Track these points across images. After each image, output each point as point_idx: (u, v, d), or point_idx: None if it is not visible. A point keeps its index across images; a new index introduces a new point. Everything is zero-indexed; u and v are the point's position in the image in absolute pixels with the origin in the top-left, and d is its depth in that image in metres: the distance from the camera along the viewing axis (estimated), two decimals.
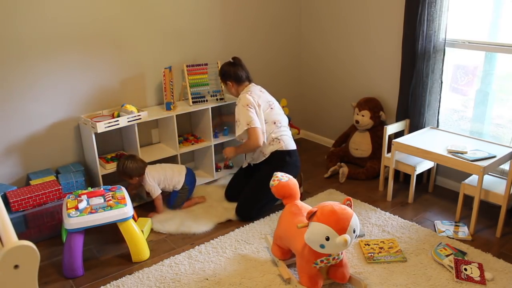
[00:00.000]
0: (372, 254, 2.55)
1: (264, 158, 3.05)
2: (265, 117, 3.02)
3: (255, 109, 2.97)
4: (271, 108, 3.07)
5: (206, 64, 3.53)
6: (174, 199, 3.09)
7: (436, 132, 3.20)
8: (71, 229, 2.42)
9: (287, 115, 4.13)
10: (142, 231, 2.73)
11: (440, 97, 3.20)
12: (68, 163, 3.18)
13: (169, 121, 3.29)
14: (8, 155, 2.92)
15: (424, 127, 3.28)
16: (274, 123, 3.04)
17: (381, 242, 2.66)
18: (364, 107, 3.60)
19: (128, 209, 2.53)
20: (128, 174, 2.96)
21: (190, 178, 3.15)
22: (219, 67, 3.26)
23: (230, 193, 3.23)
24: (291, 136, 3.15)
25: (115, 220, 2.49)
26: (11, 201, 2.66)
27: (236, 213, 3.01)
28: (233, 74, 3.11)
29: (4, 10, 2.70)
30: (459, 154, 2.78)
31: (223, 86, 3.32)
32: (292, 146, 3.09)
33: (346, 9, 3.80)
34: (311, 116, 4.45)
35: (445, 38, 3.05)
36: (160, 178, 3.03)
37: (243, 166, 3.24)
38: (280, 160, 3.01)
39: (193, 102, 3.41)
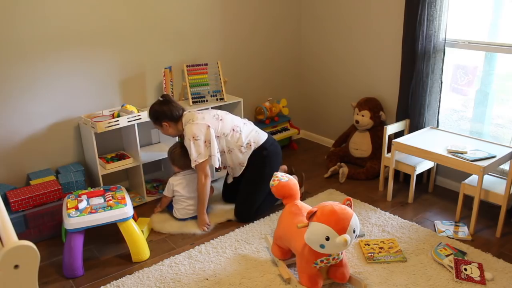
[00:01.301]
0: (372, 254, 2.55)
1: (244, 167, 2.97)
2: (222, 131, 2.86)
3: (203, 136, 2.79)
4: (221, 120, 2.88)
5: (206, 64, 3.53)
6: (171, 209, 3.08)
7: (436, 132, 3.20)
8: (71, 229, 2.42)
9: (286, 115, 4.17)
10: (142, 231, 2.73)
11: (440, 97, 3.19)
12: (68, 163, 3.18)
13: None
14: (8, 155, 2.92)
15: (424, 127, 3.28)
16: (233, 129, 2.89)
17: (381, 242, 2.66)
18: (364, 107, 3.60)
19: (128, 209, 2.53)
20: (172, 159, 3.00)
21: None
22: (149, 109, 2.93)
23: (226, 196, 3.23)
24: (257, 129, 3.02)
25: (115, 220, 2.49)
26: (11, 201, 2.66)
27: (236, 217, 3.00)
28: (169, 113, 2.85)
29: (4, 10, 2.70)
30: (459, 154, 2.78)
31: (159, 129, 2.98)
32: (263, 137, 2.97)
33: (346, 9, 3.80)
34: (311, 116, 4.45)
35: (445, 38, 3.05)
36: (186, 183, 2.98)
37: (228, 182, 3.15)
38: (259, 157, 2.93)
39: (193, 102, 3.42)
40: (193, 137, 2.78)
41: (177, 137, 3.26)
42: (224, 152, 2.92)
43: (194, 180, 2.96)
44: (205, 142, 2.80)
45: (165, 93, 2.96)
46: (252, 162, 2.95)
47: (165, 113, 2.86)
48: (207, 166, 2.84)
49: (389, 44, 3.53)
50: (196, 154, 2.78)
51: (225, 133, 2.88)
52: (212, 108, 3.38)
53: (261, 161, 2.94)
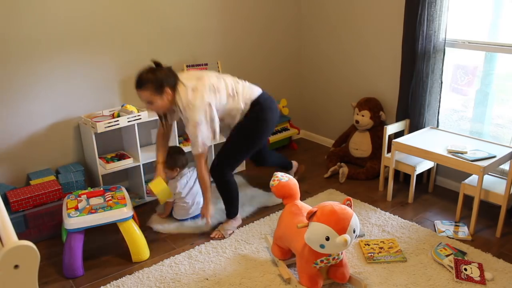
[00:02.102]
0: (372, 254, 2.55)
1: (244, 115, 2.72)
2: (221, 102, 2.62)
3: (208, 116, 2.53)
4: (218, 91, 2.59)
5: (206, 64, 3.53)
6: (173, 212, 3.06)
7: (436, 132, 3.20)
8: (71, 229, 2.42)
9: (286, 115, 4.17)
10: (163, 185, 2.67)
11: (440, 97, 3.19)
12: (68, 163, 3.18)
13: None
14: (8, 155, 2.92)
15: (424, 127, 3.28)
16: (230, 95, 2.64)
17: (381, 242, 2.66)
18: (364, 107, 3.60)
19: (128, 209, 2.53)
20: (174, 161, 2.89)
21: None
22: (146, 75, 2.48)
23: None
24: (249, 84, 2.78)
25: (115, 220, 2.49)
26: (11, 201, 2.66)
27: (210, 173, 2.73)
28: (172, 77, 2.50)
29: (4, 10, 2.70)
30: (459, 154, 2.78)
31: (150, 104, 2.54)
32: (256, 92, 2.72)
33: (346, 9, 3.80)
34: (311, 116, 4.45)
35: (445, 38, 3.05)
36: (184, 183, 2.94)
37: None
38: (250, 112, 2.70)
39: None
40: (198, 123, 2.51)
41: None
42: (224, 119, 2.71)
43: (192, 179, 2.97)
44: (209, 122, 2.57)
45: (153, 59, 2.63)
46: (245, 117, 2.73)
47: (169, 77, 2.48)
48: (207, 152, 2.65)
49: (389, 44, 3.53)
50: (204, 139, 2.56)
51: (223, 103, 2.62)
52: None
53: (252, 116, 2.70)
